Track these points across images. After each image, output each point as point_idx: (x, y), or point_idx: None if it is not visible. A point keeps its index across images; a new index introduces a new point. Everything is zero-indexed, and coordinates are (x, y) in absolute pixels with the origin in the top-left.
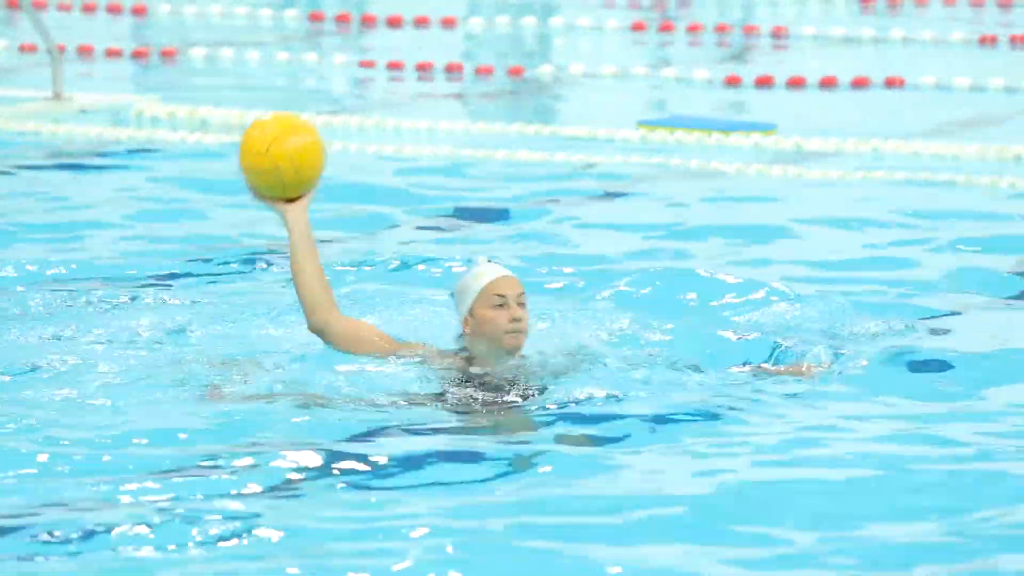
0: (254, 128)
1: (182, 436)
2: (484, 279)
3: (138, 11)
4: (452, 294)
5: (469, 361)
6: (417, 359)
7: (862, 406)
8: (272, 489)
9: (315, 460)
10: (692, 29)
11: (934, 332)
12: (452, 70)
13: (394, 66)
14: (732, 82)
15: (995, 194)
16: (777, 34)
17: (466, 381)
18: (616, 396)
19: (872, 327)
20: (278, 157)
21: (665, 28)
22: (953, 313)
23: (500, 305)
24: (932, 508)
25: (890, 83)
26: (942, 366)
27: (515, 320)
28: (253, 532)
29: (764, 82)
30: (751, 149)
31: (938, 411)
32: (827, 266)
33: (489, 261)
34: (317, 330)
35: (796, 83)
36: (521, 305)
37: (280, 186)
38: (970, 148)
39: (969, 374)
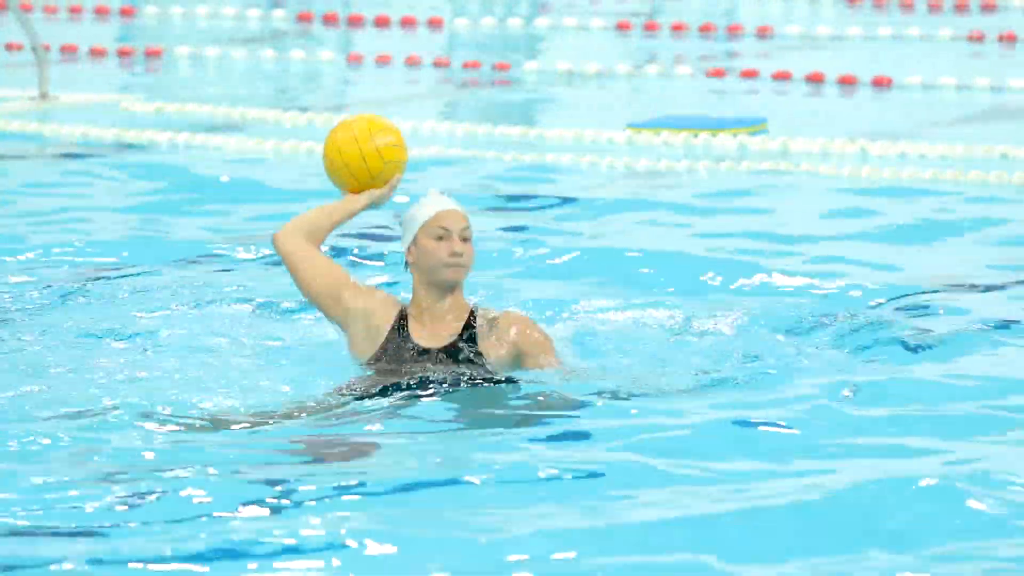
0: (358, 129)
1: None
2: (429, 210)
3: (126, 12)
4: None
5: (407, 311)
6: (359, 305)
7: (856, 400)
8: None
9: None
10: (676, 28)
11: (924, 326)
12: (439, 65)
13: (381, 59)
14: (716, 74)
15: (983, 191)
16: (763, 33)
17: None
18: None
19: (864, 323)
20: (367, 160)
21: (649, 28)
22: (942, 306)
23: (442, 237)
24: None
25: (877, 82)
26: (936, 358)
27: (455, 254)
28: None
29: (749, 74)
30: (738, 148)
31: (936, 403)
32: (816, 263)
33: (440, 193)
34: (279, 239)
35: (782, 76)
36: (465, 240)
37: (345, 184)
38: (956, 148)
39: (962, 366)
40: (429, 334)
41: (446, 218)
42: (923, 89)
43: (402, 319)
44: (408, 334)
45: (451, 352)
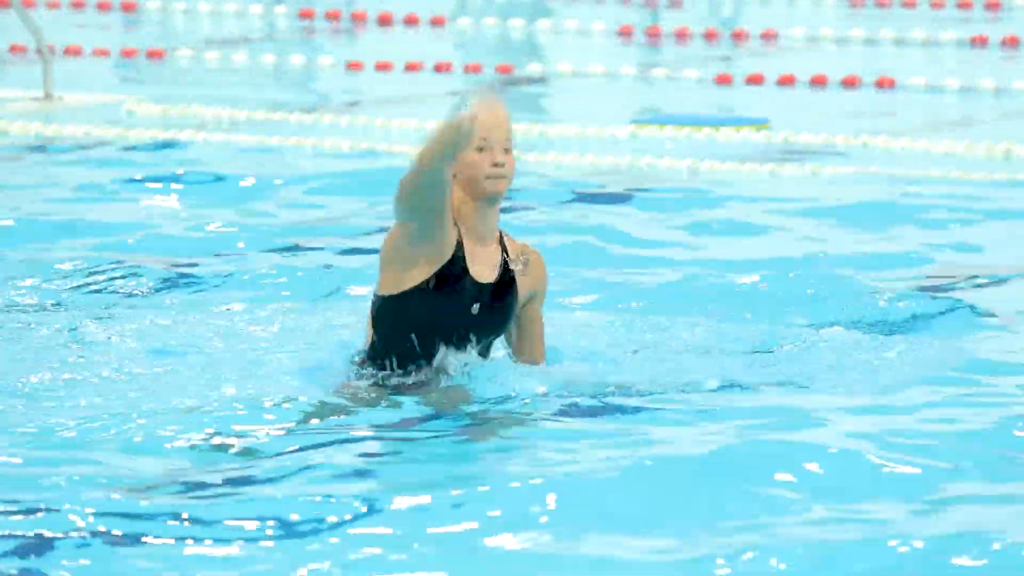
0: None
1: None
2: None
3: (127, 7)
4: None
5: (460, 232)
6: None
7: (855, 395)
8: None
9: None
10: (680, 34)
11: (927, 324)
12: (441, 70)
13: (384, 64)
14: (723, 80)
15: (985, 190)
16: (766, 37)
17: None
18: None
19: (868, 318)
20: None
21: (652, 33)
22: (947, 303)
23: (483, 148)
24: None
25: (880, 84)
26: (939, 355)
27: (497, 165)
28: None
29: (754, 80)
30: (740, 146)
31: (938, 398)
32: (819, 261)
33: (483, 98)
34: (436, 166)
35: (786, 80)
36: (506, 151)
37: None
38: (958, 145)
39: (961, 359)
40: (480, 263)
41: (488, 129)
42: (926, 91)
43: (460, 242)
44: (465, 262)
45: (498, 289)
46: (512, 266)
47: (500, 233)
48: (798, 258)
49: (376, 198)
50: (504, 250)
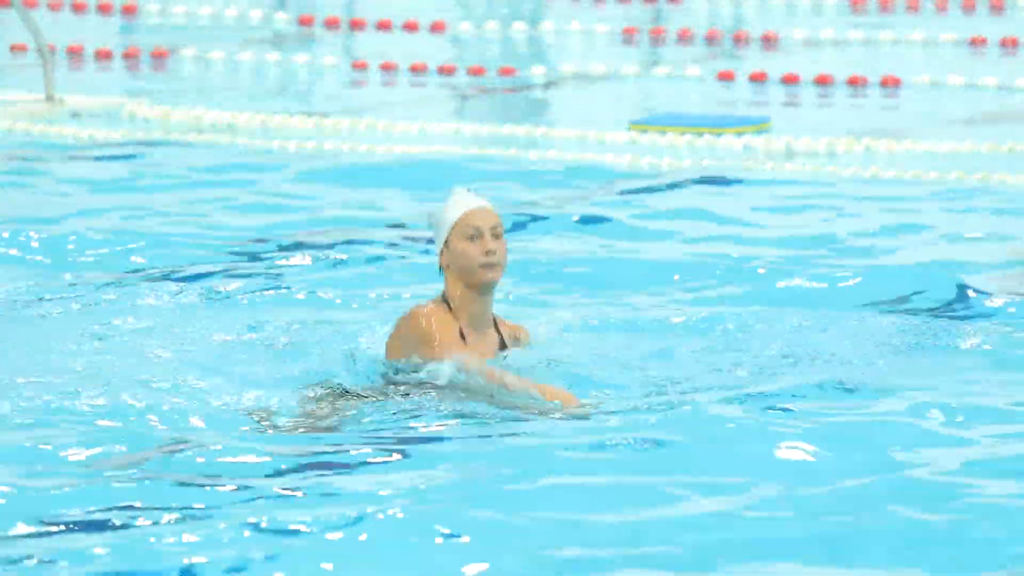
0: None
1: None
2: (459, 210)
3: (128, 10)
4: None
5: (461, 327)
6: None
7: (859, 400)
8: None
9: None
10: (683, 36)
11: (931, 323)
12: (444, 72)
13: (387, 67)
14: (724, 77)
15: (987, 190)
16: (768, 39)
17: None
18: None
19: (873, 320)
20: None
21: (655, 33)
22: (947, 307)
23: (473, 237)
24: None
25: (884, 83)
26: (941, 355)
27: (489, 252)
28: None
29: (757, 78)
30: (742, 147)
31: (942, 401)
32: (822, 261)
33: (467, 191)
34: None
35: (790, 80)
36: (496, 237)
37: None
38: (961, 145)
39: (969, 364)
40: (481, 350)
41: (476, 216)
42: (930, 88)
43: (460, 333)
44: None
45: None
46: (510, 345)
47: (493, 316)
48: (800, 257)
49: (377, 200)
50: (499, 331)
